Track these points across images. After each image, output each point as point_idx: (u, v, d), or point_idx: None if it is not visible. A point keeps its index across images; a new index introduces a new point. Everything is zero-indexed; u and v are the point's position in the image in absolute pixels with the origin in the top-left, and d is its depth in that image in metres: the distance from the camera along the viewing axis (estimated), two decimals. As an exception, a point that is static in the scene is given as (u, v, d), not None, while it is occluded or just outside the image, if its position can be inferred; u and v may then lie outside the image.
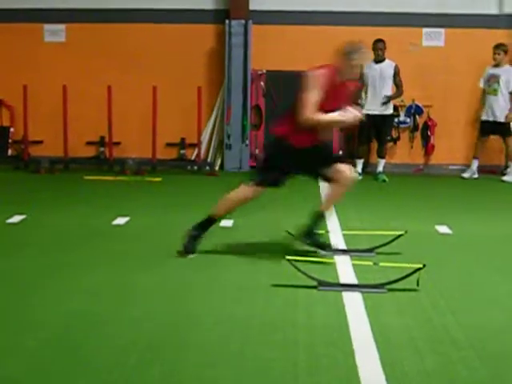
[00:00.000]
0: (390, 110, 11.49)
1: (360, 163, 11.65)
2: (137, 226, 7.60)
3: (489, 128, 11.53)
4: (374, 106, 11.25)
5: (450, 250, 6.79)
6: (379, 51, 11.27)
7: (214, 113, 12.30)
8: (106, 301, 5.13)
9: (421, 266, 5.35)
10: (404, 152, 12.36)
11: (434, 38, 12.21)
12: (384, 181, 11.30)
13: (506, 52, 11.35)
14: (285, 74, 11.75)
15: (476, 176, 11.70)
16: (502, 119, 11.41)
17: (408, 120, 12.23)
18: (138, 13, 12.29)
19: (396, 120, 12.15)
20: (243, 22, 11.85)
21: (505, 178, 11.51)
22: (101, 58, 12.31)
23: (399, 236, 6.56)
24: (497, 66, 11.39)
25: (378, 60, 11.30)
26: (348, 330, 4.51)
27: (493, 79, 11.39)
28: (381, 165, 11.60)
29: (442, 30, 12.18)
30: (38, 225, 7.60)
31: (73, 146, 11.95)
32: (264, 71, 12.10)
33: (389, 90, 11.33)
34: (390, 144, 12.19)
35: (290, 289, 5.36)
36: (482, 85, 11.58)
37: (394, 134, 12.21)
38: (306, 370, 3.92)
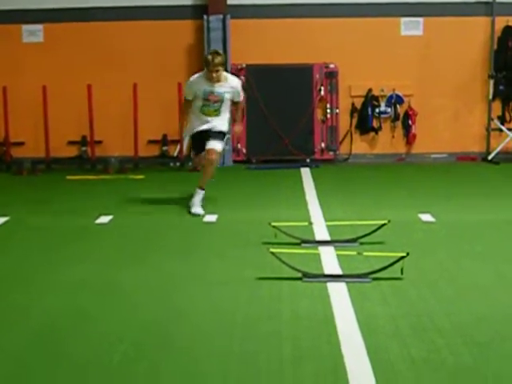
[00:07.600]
0: None
1: None
2: (120, 224, 7.57)
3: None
4: None
5: (434, 238, 6.81)
6: None
7: (195, 108, 12.25)
8: (91, 297, 5.14)
9: (404, 254, 5.37)
10: (385, 142, 12.34)
11: (412, 27, 12.20)
12: None
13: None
14: (265, 68, 11.75)
15: None
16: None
17: (389, 110, 12.20)
18: (116, 10, 12.21)
19: (377, 110, 12.14)
20: (221, 16, 11.80)
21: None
22: (80, 56, 12.23)
23: (382, 225, 6.57)
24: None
25: None
26: (333, 321, 4.53)
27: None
28: None
29: (421, 20, 12.18)
30: (21, 226, 7.56)
31: (55, 147, 11.87)
32: (244, 65, 12.08)
33: None
34: (372, 134, 12.22)
35: (274, 281, 5.37)
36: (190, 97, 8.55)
37: (376, 124, 12.21)
38: (291, 361, 3.93)
